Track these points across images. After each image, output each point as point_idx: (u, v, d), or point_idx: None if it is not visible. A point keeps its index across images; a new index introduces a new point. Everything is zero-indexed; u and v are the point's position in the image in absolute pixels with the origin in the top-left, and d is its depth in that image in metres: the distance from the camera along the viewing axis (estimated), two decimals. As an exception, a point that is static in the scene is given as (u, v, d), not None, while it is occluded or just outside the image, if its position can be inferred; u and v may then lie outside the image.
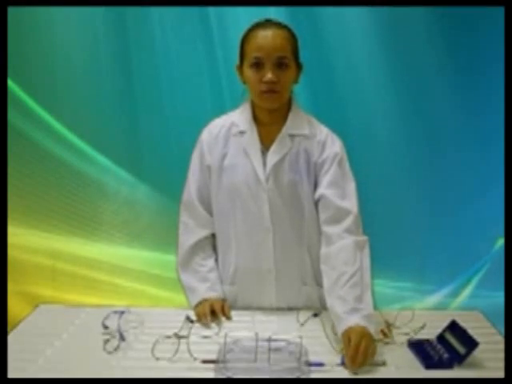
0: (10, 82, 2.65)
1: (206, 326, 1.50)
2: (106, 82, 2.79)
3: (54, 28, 2.73)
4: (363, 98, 2.78)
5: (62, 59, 2.76)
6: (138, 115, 2.82)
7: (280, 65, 1.50)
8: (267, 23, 1.54)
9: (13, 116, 2.67)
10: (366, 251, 1.50)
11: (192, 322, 1.49)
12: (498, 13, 2.01)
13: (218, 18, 2.73)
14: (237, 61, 1.59)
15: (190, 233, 1.65)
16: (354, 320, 1.33)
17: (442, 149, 2.81)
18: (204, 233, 1.65)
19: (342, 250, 1.47)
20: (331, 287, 1.44)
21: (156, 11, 2.72)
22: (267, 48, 1.49)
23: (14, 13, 2.31)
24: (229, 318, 1.55)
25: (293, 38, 1.55)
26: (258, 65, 1.50)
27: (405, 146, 2.80)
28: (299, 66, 1.57)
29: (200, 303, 1.58)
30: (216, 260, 1.66)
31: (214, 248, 1.68)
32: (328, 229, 1.53)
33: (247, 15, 2.61)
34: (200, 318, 1.53)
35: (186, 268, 1.64)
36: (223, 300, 1.60)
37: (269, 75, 1.49)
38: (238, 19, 2.63)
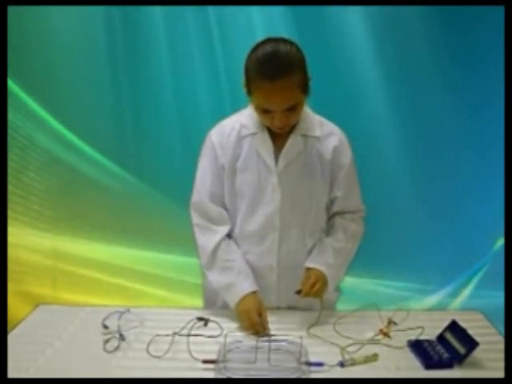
0: (9, 82, 2.64)
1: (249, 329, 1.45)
2: (106, 82, 2.78)
3: (54, 28, 2.73)
4: (362, 97, 2.77)
5: (61, 59, 2.75)
6: (138, 115, 2.81)
7: (290, 109, 1.45)
8: (274, 72, 1.38)
9: (13, 116, 2.67)
10: (356, 241, 1.67)
11: (206, 324, 1.45)
12: (498, 12, 2.01)
13: (218, 17, 2.72)
14: (242, 79, 1.48)
15: (208, 233, 1.60)
16: (318, 265, 1.55)
17: (442, 149, 2.80)
18: (222, 229, 1.60)
19: (340, 227, 1.65)
20: (318, 243, 1.62)
21: (156, 11, 2.72)
22: (276, 103, 1.42)
23: (14, 12, 2.30)
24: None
25: (300, 71, 1.43)
26: (266, 111, 1.46)
27: (405, 146, 2.80)
28: (308, 86, 1.48)
29: (242, 300, 1.51)
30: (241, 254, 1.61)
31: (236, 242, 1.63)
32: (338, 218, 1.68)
33: (247, 14, 2.63)
34: (248, 324, 1.46)
35: (213, 267, 1.58)
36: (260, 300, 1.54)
37: (278, 124, 1.47)
38: (237, 19, 2.63)
